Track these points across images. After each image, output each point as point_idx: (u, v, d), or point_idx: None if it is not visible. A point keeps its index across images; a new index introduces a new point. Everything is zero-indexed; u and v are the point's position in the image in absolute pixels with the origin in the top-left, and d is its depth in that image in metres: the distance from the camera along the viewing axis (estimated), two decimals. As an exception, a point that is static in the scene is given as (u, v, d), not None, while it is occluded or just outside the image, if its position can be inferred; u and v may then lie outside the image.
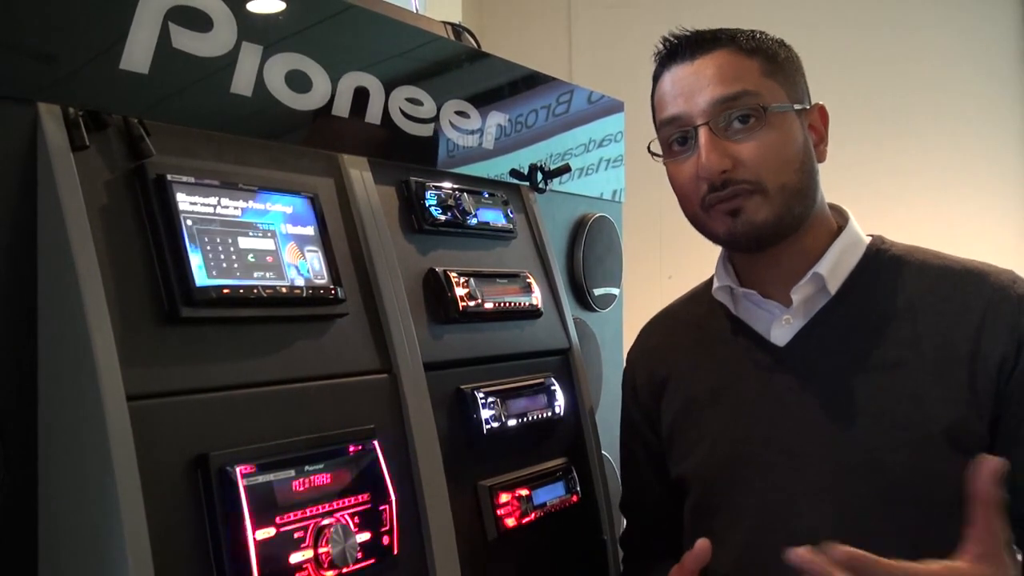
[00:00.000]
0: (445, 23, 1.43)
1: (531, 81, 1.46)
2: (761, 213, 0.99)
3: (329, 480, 0.89)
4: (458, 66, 1.31)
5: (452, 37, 1.41)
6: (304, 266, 0.97)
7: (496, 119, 1.36)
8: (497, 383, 1.19)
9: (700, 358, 1.12)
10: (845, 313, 1.02)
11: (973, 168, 3.01)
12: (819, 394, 1.00)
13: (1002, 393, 0.94)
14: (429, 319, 1.13)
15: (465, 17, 2.79)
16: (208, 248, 0.87)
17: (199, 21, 0.92)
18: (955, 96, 3.01)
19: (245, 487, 0.81)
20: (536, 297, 1.30)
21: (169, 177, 0.86)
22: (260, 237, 0.93)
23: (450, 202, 1.21)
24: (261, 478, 0.83)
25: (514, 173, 1.40)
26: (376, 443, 0.96)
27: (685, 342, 1.16)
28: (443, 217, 1.19)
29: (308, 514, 0.86)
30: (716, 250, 1.13)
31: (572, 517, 1.26)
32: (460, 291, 1.16)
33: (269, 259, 0.93)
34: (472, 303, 1.17)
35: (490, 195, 1.31)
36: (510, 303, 1.24)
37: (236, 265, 0.89)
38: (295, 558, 0.84)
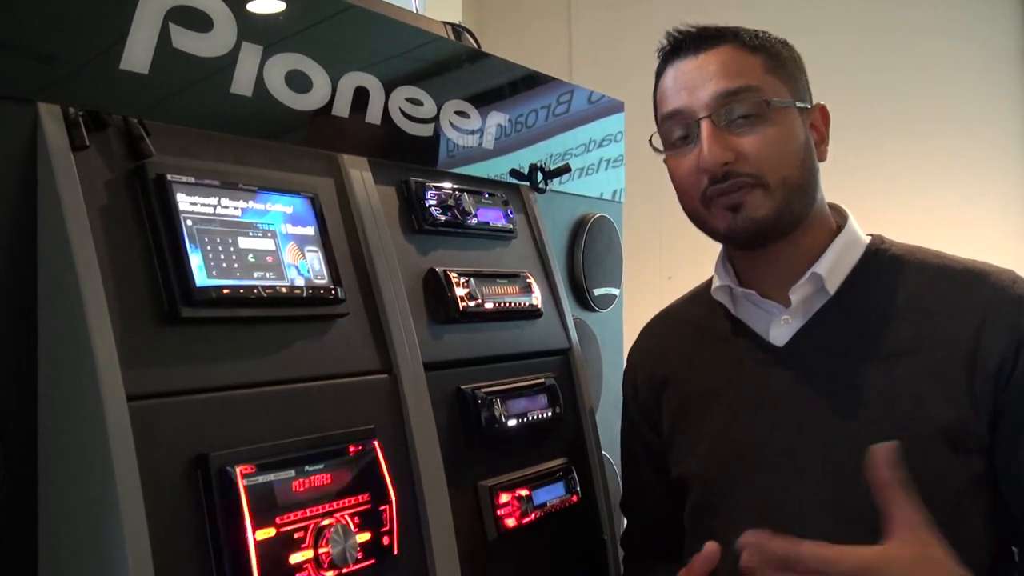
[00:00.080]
0: (445, 23, 1.43)
1: (531, 81, 1.46)
2: (762, 209, 0.99)
3: (329, 480, 0.89)
4: (458, 66, 1.31)
5: (452, 37, 1.41)
6: (304, 266, 0.97)
7: (496, 119, 1.36)
8: (497, 383, 1.19)
9: (700, 358, 1.12)
10: (844, 313, 1.02)
11: (973, 169, 3.01)
12: (818, 394, 1.00)
13: (1001, 393, 0.94)
14: (429, 319, 1.13)
15: (465, 17, 2.80)
16: (208, 248, 0.87)
17: (199, 21, 0.92)
18: (955, 97, 3.02)
19: (245, 487, 0.81)
20: (536, 297, 1.30)
21: (169, 177, 0.86)
22: (260, 237, 0.93)
23: (450, 202, 1.21)
24: (261, 478, 0.83)
25: (514, 173, 1.40)
26: (376, 443, 0.96)
27: (685, 342, 1.16)
28: (443, 217, 1.19)
29: (308, 514, 0.86)
30: (716, 250, 1.13)
31: (572, 517, 1.26)
32: (460, 291, 1.16)
33: (269, 259, 0.93)
34: (472, 303, 1.17)
35: (490, 195, 1.31)
36: (510, 303, 1.24)
37: (236, 265, 0.89)
38: (295, 558, 0.84)
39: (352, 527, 0.89)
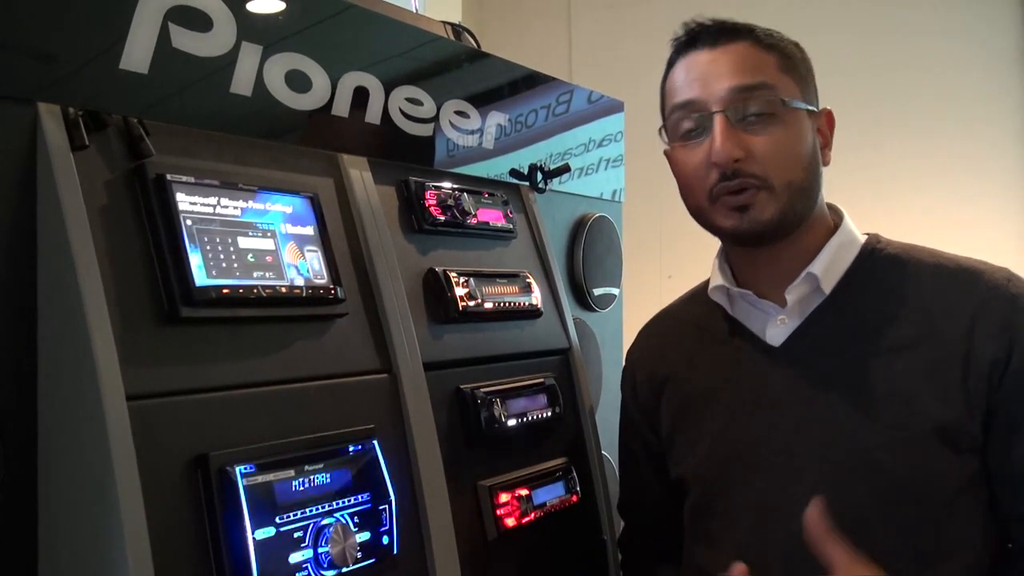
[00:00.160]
0: (445, 23, 1.43)
1: (531, 81, 1.46)
2: (767, 211, 0.99)
3: (329, 480, 0.89)
4: (458, 66, 1.31)
5: (452, 37, 1.41)
6: (304, 266, 0.97)
7: (496, 119, 1.36)
8: (497, 383, 1.19)
9: (698, 358, 1.12)
10: (840, 313, 1.02)
11: (973, 169, 3.01)
12: (814, 394, 1.00)
13: (995, 393, 0.94)
14: (429, 319, 1.13)
15: (465, 17, 2.80)
16: (208, 248, 0.87)
17: (199, 21, 0.92)
18: (955, 97, 3.02)
19: (245, 487, 0.81)
20: (536, 297, 1.30)
21: (169, 177, 0.86)
22: (260, 237, 0.93)
23: (450, 202, 1.21)
24: (261, 478, 0.83)
25: (514, 173, 1.40)
26: (376, 443, 0.96)
27: (684, 342, 1.16)
28: (443, 217, 1.19)
29: (308, 514, 0.86)
30: (716, 249, 1.13)
31: (572, 517, 1.26)
32: (460, 291, 1.16)
33: (269, 259, 0.93)
34: (472, 303, 1.17)
35: (490, 195, 1.31)
36: (510, 303, 1.24)
37: (236, 265, 0.89)
38: (295, 558, 0.84)
39: (352, 527, 0.89)
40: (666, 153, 1.09)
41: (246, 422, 0.86)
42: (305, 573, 0.84)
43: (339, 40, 1.09)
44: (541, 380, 1.26)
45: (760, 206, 0.99)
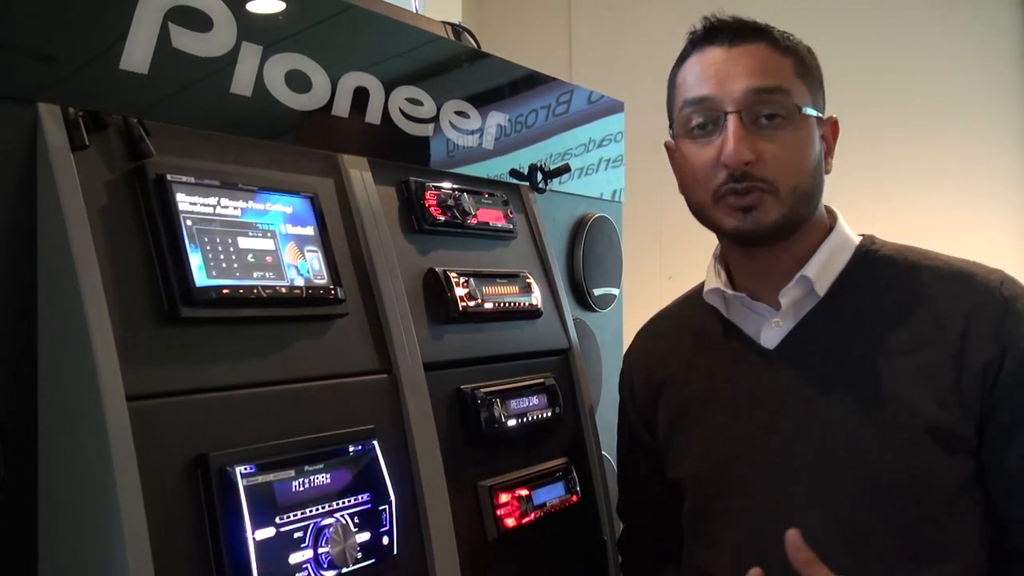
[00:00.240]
0: (445, 23, 1.43)
1: (531, 81, 1.46)
2: (771, 214, 0.99)
3: (329, 480, 0.89)
4: (458, 66, 1.31)
5: (452, 37, 1.41)
6: (304, 266, 0.97)
7: (496, 119, 1.36)
8: (497, 383, 1.19)
9: (695, 360, 1.12)
10: (834, 315, 1.02)
11: (973, 169, 3.01)
12: (810, 395, 1.00)
13: (988, 396, 0.94)
14: (429, 319, 1.13)
15: (465, 17, 2.79)
16: (208, 248, 0.87)
17: (199, 21, 0.92)
18: (955, 98, 3.01)
19: (245, 487, 0.81)
20: (536, 297, 1.30)
21: (169, 177, 0.86)
22: (260, 237, 0.93)
23: (450, 202, 1.21)
24: (261, 478, 0.83)
25: (514, 173, 1.40)
26: (376, 443, 0.96)
27: (681, 344, 1.16)
28: (443, 217, 1.19)
29: (308, 514, 0.86)
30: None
31: (572, 517, 1.26)
32: (460, 291, 1.16)
33: (269, 259, 0.93)
34: (472, 303, 1.17)
35: (490, 195, 1.31)
36: (510, 303, 1.24)
37: (236, 265, 0.89)
38: (295, 558, 0.84)
39: (352, 527, 0.89)
40: (667, 145, 1.09)
41: (246, 422, 0.86)
42: (305, 573, 0.84)
43: (339, 40, 1.09)
44: (541, 380, 1.26)
45: (764, 209, 0.99)
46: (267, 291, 0.91)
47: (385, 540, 0.93)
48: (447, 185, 1.23)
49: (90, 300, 0.76)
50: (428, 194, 1.18)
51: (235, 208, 0.92)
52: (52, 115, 0.80)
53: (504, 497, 1.14)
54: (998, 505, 0.97)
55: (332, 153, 1.09)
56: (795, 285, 1.02)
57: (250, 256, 0.91)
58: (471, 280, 1.18)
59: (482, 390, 1.15)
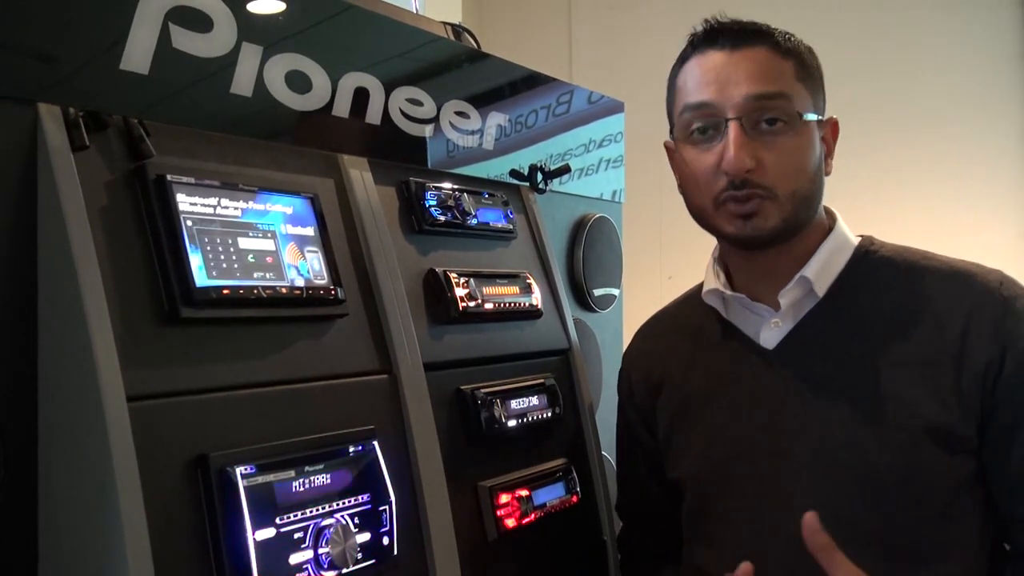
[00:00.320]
0: (445, 23, 1.43)
1: (531, 81, 1.46)
2: (771, 220, 0.99)
3: (329, 481, 0.89)
4: (458, 66, 1.31)
5: (452, 37, 1.41)
6: (304, 266, 0.97)
7: (496, 119, 1.36)
8: (497, 383, 1.19)
9: (694, 361, 1.12)
10: (833, 315, 1.02)
11: (974, 171, 3.01)
12: (809, 396, 1.00)
13: (989, 396, 0.94)
14: (429, 319, 1.13)
15: (465, 17, 2.79)
16: (208, 248, 0.87)
17: (199, 21, 0.92)
18: (955, 99, 3.01)
19: (245, 487, 0.81)
20: (536, 297, 1.30)
21: (169, 177, 0.86)
22: (260, 237, 0.93)
23: (450, 202, 1.21)
24: (261, 479, 0.83)
25: (514, 173, 1.40)
26: (376, 444, 0.96)
27: (680, 345, 1.16)
28: (443, 217, 1.19)
29: (308, 515, 0.86)
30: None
31: (572, 518, 1.26)
32: (460, 291, 1.16)
33: (269, 259, 0.93)
34: (472, 303, 1.17)
35: (490, 195, 1.31)
36: (510, 303, 1.24)
37: (236, 265, 0.89)
38: (295, 559, 0.84)
39: (352, 527, 0.89)
40: (667, 145, 1.09)
41: (246, 423, 0.86)
42: (305, 574, 0.84)
43: (339, 41, 1.09)
44: (541, 380, 1.26)
45: (764, 215, 0.99)
46: (267, 291, 0.91)
47: (385, 540, 0.93)
48: (447, 185, 1.23)
49: (90, 300, 0.76)
50: (428, 194, 1.18)
51: (235, 208, 0.92)
52: (52, 115, 0.80)
53: (504, 497, 1.14)
54: (1000, 505, 0.97)
55: (332, 153, 1.09)
56: (794, 286, 1.02)
57: (250, 256, 0.91)
58: (471, 280, 1.18)
59: (482, 390, 1.15)
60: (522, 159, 1.43)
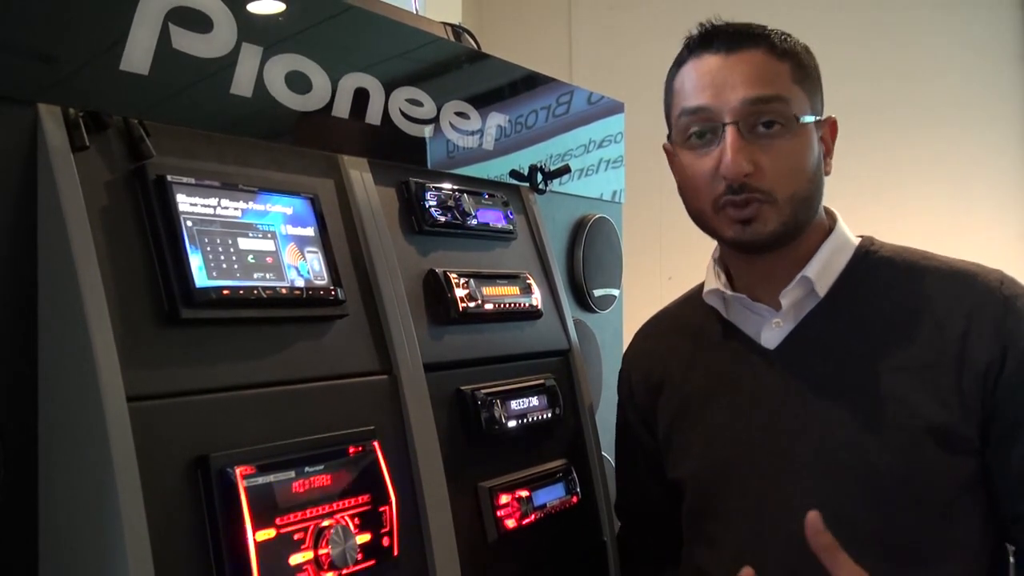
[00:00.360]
0: (445, 24, 1.43)
1: (531, 82, 1.46)
2: (770, 224, 0.99)
3: (329, 481, 0.89)
4: (458, 67, 1.31)
5: (452, 38, 1.41)
6: (304, 267, 0.97)
7: (496, 120, 1.36)
8: (497, 384, 1.18)
9: (694, 361, 1.12)
10: (834, 315, 1.02)
11: (974, 172, 3.01)
12: (810, 396, 1.00)
13: (990, 396, 0.94)
14: (429, 320, 1.13)
15: (465, 18, 2.79)
16: (208, 249, 0.87)
17: (199, 22, 0.92)
18: (955, 101, 3.01)
19: (245, 488, 0.81)
20: (536, 298, 1.30)
21: (169, 178, 0.86)
22: (260, 238, 0.93)
23: (450, 203, 1.21)
24: (261, 479, 0.83)
25: (514, 174, 1.40)
26: (376, 444, 0.96)
27: (680, 345, 1.16)
28: (443, 218, 1.19)
29: (308, 515, 0.86)
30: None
31: (572, 518, 1.26)
32: (460, 292, 1.16)
33: (269, 260, 0.93)
34: (472, 304, 1.17)
35: (490, 196, 1.31)
36: (510, 304, 1.24)
37: (236, 266, 0.89)
38: (295, 559, 0.84)
39: (352, 528, 0.89)
40: (666, 149, 1.09)
41: (246, 423, 0.86)
42: (305, 574, 0.84)
43: (339, 41, 1.09)
44: (541, 381, 1.26)
45: (763, 220, 0.99)
46: (267, 292, 0.91)
47: (385, 541, 0.93)
48: (447, 186, 1.23)
49: (90, 301, 0.76)
50: (428, 195, 1.18)
51: (235, 209, 0.92)
52: (52, 116, 0.80)
53: (504, 498, 1.14)
54: (1002, 505, 0.97)
55: (332, 154, 1.09)
56: (796, 286, 1.02)
57: (250, 257, 0.91)
58: (471, 281, 1.18)
59: (482, 391, 1.15)
60: (522, 159, 1.43)
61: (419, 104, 1.21)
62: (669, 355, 1.16)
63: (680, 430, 1.12)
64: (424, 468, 1.03)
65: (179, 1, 0.89)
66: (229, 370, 0.87)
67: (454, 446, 1.10)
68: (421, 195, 1.18)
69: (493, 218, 1.29)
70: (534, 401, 1.23)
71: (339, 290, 0.99)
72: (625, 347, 1.30)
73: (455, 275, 1.17)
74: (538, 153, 1.47)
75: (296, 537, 0.84)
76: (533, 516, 1.18)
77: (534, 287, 1.30)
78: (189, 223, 0.86)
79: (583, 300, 1.62)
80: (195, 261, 0.85)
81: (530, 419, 1.21)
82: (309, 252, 0.98)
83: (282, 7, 1.01)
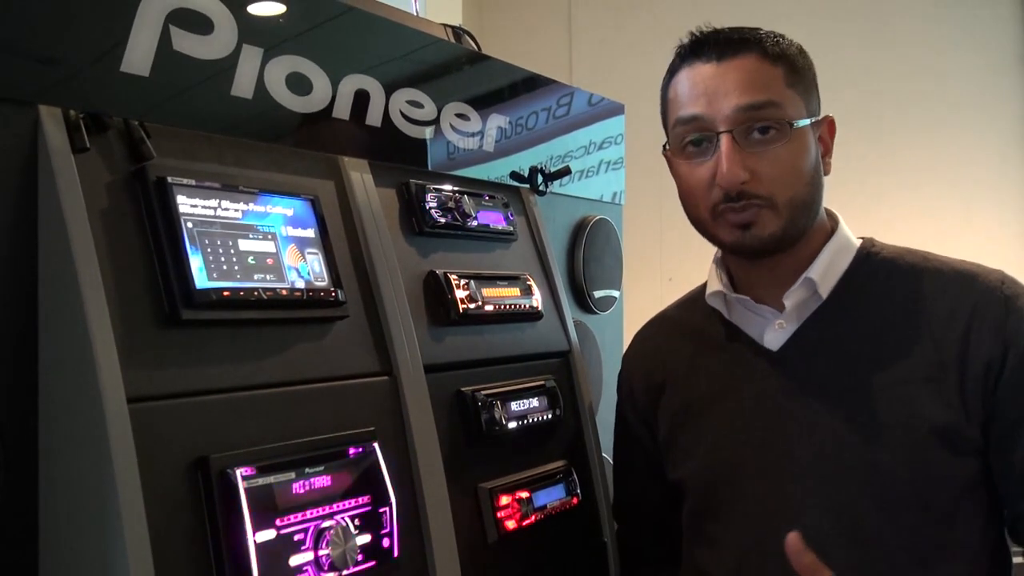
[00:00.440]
0: (445, 25, 1.43)
1: (531, 83, 1.46)
2: (770, 228, 0.99)
3: (329, 482, 0.89)
4: (458, 68, 1.31)
5: (452, 39, 1.41)
6: (304, 268, 0.97)
7: (496, 121, 1.36)
8: (497, 385, 1.18)
9: (696, 363, 1.12)
10: (837, 316, 1.02)
11: (974, 173, 3.01)
12: (813, 397, 1.00)
13: (991, 396, 0.94)
14: (429, 321, 1.13)
15: (465, 19, 2.80)
16: (209, 250, 0.87)
17: (200, 23, 0.92)
18: (956, 102, 3.02)
19: (245, 489, 0.81)
20: (536, 299, 1.30)
21: (170, 179, 0.86)
22: (260, 239, 0.93)
23: (450, 204, 1.21)
24: (261, 480, 0.83)
25: (514, 175, 1.40)
26: (376, 445, 0.96)
27: (681, 347, 1.16)
28: (443, 219, 1.19)
29: (308, 516, 0.86)
30: (716, 251, 1.13)
31: (572, 519, 1.26)
32: (460, 293, 1.16)
33: (269, 261, 0.93)
34: (472, 305, 1.17)
35: (490, 197, 1.31)
36: (510, 305, 1.24)
37: (236, 267, 0.89)
38: (295, 560, 0.84)
39: (352, 529, 0.89)
40: (666, 156, 1.09)
41: (247, 424, 0.86)
42: (305, 575, 0.84)
43: (340, 43, 1.09)
44: (541, 382, 1.26)
45: (763, 224, 0.99)
46: (268, 293, 0.91)
47: (386, 542, 0.93)
48: (448, 187, 1.23)
49: (91, 302, 0.76)
50: (429, 196, 1.18)
51: (236, 210, 0.92)
52: (53, 117, 0.80)
53: (505, 499, 1.14)
54: (1008, 505, 0.97)
55: (333, 155, 1.09)
56: (800, 287, 1.02)
57: (251, 258, 0.91)
58: (471, 282, 1.18)
59: (483, 392, 1.15)
60: (522, 161, 1.43)
61: (419, 106, 1.21)
62: (670, 356, 1.16)
63: (682, 431, 1.12)
64: (424, 469, 1.03)
65: (180, 3, 0.90)
66: (229, 371, 0.87)
67: (454, 447, 1.10)
68: (421, 196, 1.18)
69: (493, 219, 1.29)
70: (534, 402, 1.23)
71: (339, 291, 0.99)
72: (625, 348, 1.30)
73: (455, 276, 1.17)
74: (538, 154, 1.47)
75: (296, 538, 0.84)
76: (533, 517, 1.18)
77: (534, 288, 1.30)
78: (189, 224, 0.86)
79: (583, 301, 1.62)
80: (195, 262, 0.85)
81: (530, 420, 1.21)
82: (310, 253, 0.98)
83: (283, 9, 1.01)
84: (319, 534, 0.86)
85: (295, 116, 1.03)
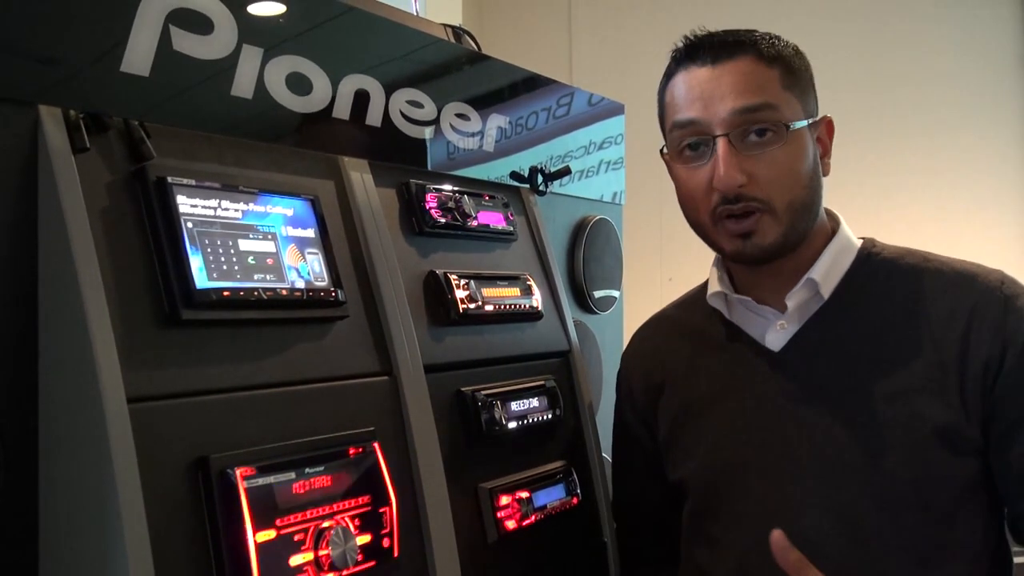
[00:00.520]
0: (445, 25, 1.43)
1: (531, 83, 1.46)
2: (770, 235, 0.99)
3: (329, 482, 0.89)
4: (458, 68, 1.31)
5: (452, 39, 1.41)
6: (304, 268, 0.97)
7: (496, 121, 1.36)
8: (497, 385, 1.19)
9: (696, 363, 1.12)
10: (838, 317, 1.02)
11: (974, 174, 3.01)
12: (815, 398, 1.00)
13: (991, 395, 0.94)
14: (429, 321, 1.13)
15: (465, 19, 2.80)
16: (209, 250, 0.87)
17: (200, 23, 0.92)
18: (956, 103, 3.02)
19: (245, 489, 0.81)
20: (536, 299, 1.30)
21: (170, 179, 0.86)
22: (261, 239, 0.93)
23: (450, 204, 1.21)
24: (261, 480, 0.83)
25: (514, 175, 1.40)
26: (376, 445, 0.96)
27: (681, 347, 1.16)
28: (443, 219, 1.19)
29: (308, 516, 0.86)
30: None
31: (572, 519, 1.26)
32: (460, 293, 1.16)
33: (269, 261, 0.93)
34: (472, 305, 1.17)
35: (490, 197, 1.31)
36: (510, 305, 1.24)
37: (236, 267, 0.89)
38: (295, 560, 0.84)
39: (352, 529, 0.89)
40: (664, 159, 1.09)
41: (247, 424, 0.86)
42: (305, 575, 0.84)
43: (340, 43, 1.09)
44: (541, 382, 1.26)
45: (763, 231, 0.98)
46: (268, 293, 0.91)
47: (386, 542, 0.93)
48: (448, 187, 1.23)
49: (91, 302, 0.76)
50: (429, 196, 1.18)
51: (236, 210, 0.92)
52: (53, 117, 0.80)
53: (504, 499, 1.14)
54: (1009, 504, 0.97)
55: (333, 155, 1.09)
56: (802, 287, 1.02)
57: (251, 258, 0.91)
58: (472, 282, 1.18)
59: (482, 392, 1.15)
60: (522, 161, 1.43)
61: (419, 106, 1.21)
62: (670, 356, 1.16)
63: (682, 431, 1.12)
64: (424, 469, 1.03)
65: (180, 3, 0.90)
66: (229, 371, 0.87)
67: (454, 447, 1.10)
68: (421, 196, 1.18)
69: (493, 219, 1.29)
70: (534, 402, 1.23)
71: (339, 291, 0.99)
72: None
73: (455, 276, 1.17)
74: (538, 154, 1.47)
75: (296, 538, 0.84)
76: (533, 517, 1.18)
77: (534, 288, 1.30)
78: (189, 224, 0.86)
79: (583, 301, 1.62)
80: (195, 262, 0.85)
81: (530, 420, 1.21)
82: (309, 253, 0.98)
83: (283, 9, 1.01)
84: (319, 534, 0.86)
85: (295, 116, 1.03)
